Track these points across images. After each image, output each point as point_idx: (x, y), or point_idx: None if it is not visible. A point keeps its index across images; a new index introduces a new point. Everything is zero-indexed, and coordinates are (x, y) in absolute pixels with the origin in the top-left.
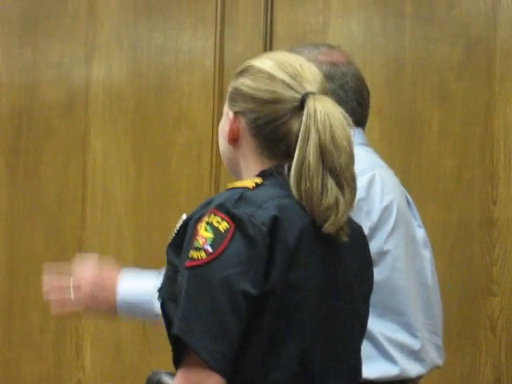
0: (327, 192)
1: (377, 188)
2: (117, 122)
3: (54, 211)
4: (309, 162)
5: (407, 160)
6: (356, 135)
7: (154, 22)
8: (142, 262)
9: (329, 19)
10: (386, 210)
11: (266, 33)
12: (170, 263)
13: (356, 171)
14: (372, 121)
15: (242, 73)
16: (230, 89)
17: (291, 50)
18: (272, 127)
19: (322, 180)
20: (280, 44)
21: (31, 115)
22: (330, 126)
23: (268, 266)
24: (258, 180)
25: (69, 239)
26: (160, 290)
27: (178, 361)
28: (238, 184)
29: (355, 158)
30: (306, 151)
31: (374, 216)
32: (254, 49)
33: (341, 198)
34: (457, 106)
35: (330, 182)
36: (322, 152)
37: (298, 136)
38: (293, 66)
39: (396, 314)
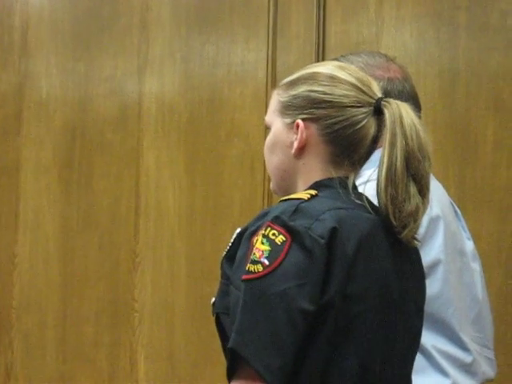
0: (409, 199)
1: None
2: (169, 135)
3: (108, 224)
4: (395, 167)
5: (462, 171)
6: None
7: (207, 34)
8: (194, 275)
9: (382, 30)
10: (433, 222)
11: (318, 44)
12: (224, 276)
13: None
14: (427, 132)
15: (301, 80)
16: (283, 98)
17: (345, 56)
18: (350, 132)
19: (406, 186)
20: (332, 55)
21: (84, 129)
22: (417, 132)
23: (325, 279)
24: (313, 191)
25: (122, 252)
26: (215, 304)
27: (232, 374)
28: (293, 196)
29: None
30: (392, 156)
31: (422, 227)
32: (306, 60)
33: (421, 206)
34: None
35: (413, 189)
36: (409, 158)
37: (374, 141)
38: (358, 73)
39: (447, 328)
